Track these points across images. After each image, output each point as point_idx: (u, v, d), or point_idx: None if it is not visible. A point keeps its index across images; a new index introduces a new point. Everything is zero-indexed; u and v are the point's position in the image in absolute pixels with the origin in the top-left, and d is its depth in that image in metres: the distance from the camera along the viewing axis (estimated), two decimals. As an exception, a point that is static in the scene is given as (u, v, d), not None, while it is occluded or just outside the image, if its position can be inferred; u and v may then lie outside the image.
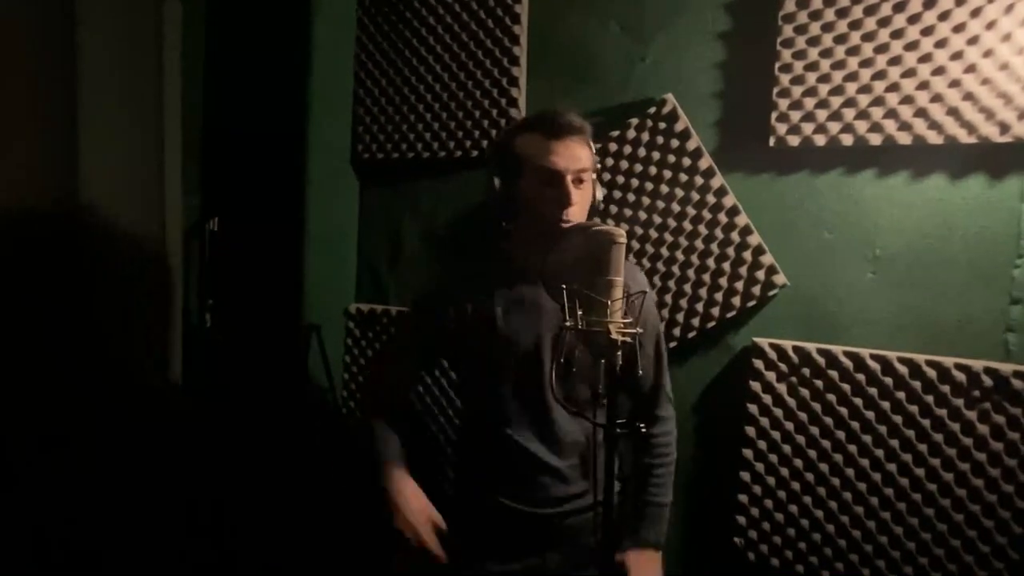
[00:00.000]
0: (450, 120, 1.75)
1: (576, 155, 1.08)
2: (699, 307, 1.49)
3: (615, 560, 0.95)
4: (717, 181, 1.46)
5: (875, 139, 1.32)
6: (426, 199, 1.83)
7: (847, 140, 1.34)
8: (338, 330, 1.93)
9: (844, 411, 1.37)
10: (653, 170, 1.52)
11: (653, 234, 1.52)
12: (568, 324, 0.89)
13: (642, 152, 1.53)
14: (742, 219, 1.44)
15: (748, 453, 1.45)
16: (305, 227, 1.85)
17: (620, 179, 1.55)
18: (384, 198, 1.91)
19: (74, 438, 1.55)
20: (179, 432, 1.78)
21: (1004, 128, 1.23)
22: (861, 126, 1.33)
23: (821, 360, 1.38)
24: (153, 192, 1.72)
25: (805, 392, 1.40)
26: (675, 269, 1.50)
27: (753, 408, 1.44)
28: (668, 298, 1.51)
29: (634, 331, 0.88)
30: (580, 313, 0.90)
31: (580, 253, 0.94)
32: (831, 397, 1.37)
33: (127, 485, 1.65)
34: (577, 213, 1.09)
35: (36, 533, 1.47)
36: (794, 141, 1.38)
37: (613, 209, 1.56)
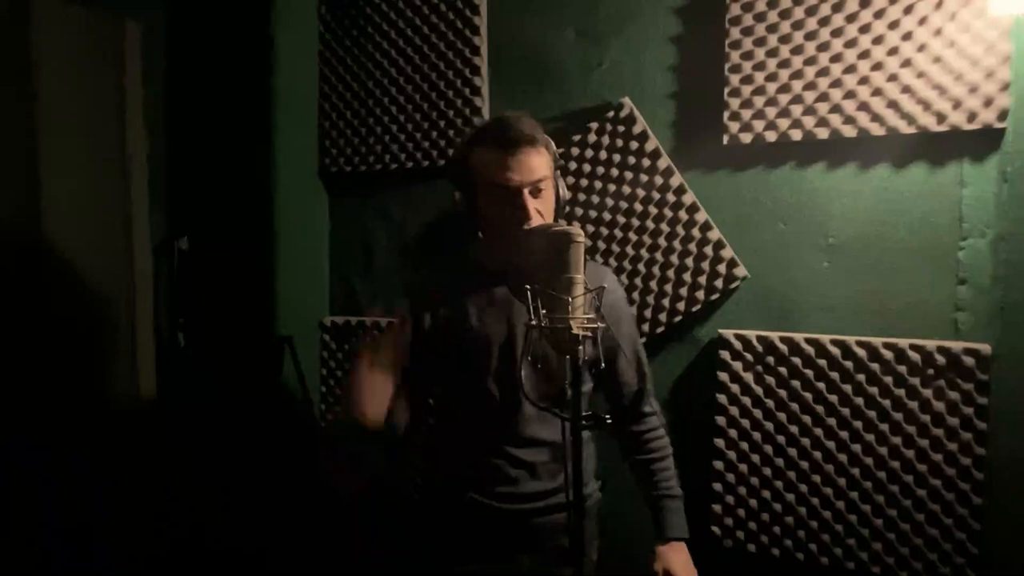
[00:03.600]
0: (416, 131, 1.78)
1: (531, 166, 1.07)
2: (665, 303, 1.53)
3: (585, 559, 0.96)
4: (676, 180, 1.51)
5: (822, 133, 1.38)
6: (395, 209, 1.85)
7: (796, 135, 1.40)
8: (313, 343, 1.93)
9: (809, 396, 1.41)
10: (614, 172, 1.56)
11: (618, 234, 1.56)
12: (533, 322, 0.91)
13: (603, 155, 1.57)
14: (701, 215, 1.49)
15: (720, 442, 1.49)
16: (275, 241, 1.85)
17: (584, 182, 1.59)
18: (354, 210, 1.92)
19: (44, 462, 1.52)
20: (153, 452, 1.76)
21: (941, 118, 1.29)
22: (808, 121, 1.39)
23: (784, 348, 1.42)
24: (117, 212, 1.71)
25: (771, 379, 1.44)
26: (640, 267, 1.54)
27: (722, 398, 1.48)
28: (636, 295, 1.55)
29: (595, 326, 0.91)
30: (544, 312, 0.92)
31: (542, 254, 0.97)
32: (796, 383, 1.42)
33: (102, 507, 1.62)
34: (538, 223, 1.11)
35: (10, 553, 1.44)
36: (747, 138, 1.43)
37: (578, 211, 1.60)
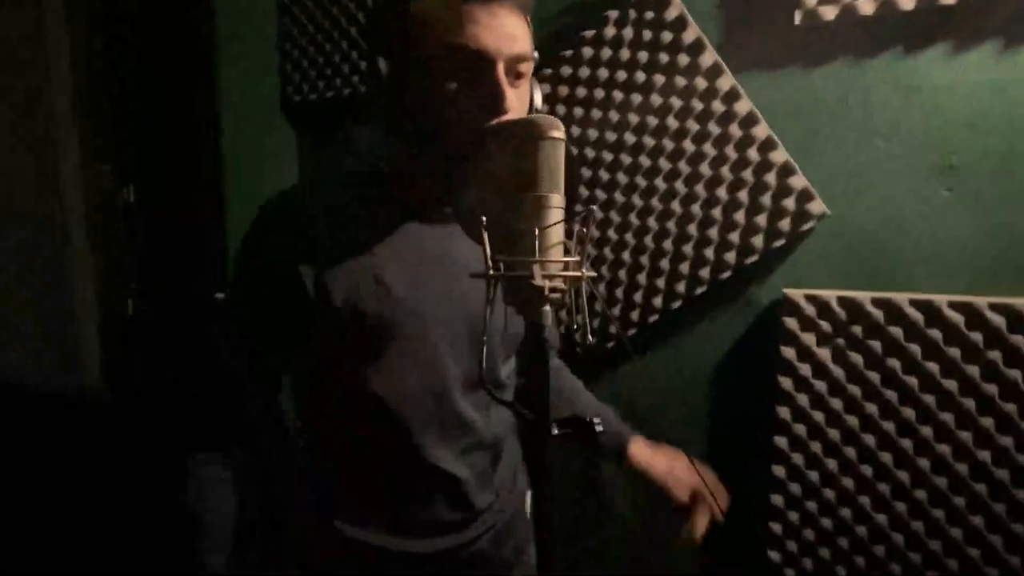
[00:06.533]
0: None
1: (511, 31, 0.69)
2: (709, 253, 1.13)
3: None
4: (726, 82, 1.09)
5: (948, -4, 0.93)
6: (367, 142, 1.50)
7: (907, 2, 0.95)
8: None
9: (913, 381, 1.00)
10: (641, 76, 1.15)
11: (645, 161, 1.17)
12: (492, 272, 0.56)
13: (625, 54, 1.16)
14: (762, 130, 1.07)
15: (782, 441, 1.10)
16: (233, 186, 1.55)
17: (599, 92, 1.19)
18: (326, 146, 1.59)
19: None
20: (96, 432, 1.53)
21: None
22: (927, -20, 0.94)
23: (878, 313, 1.02)
24: (44, 163, 1.44)
25: (857, 358, 1.04)
26: (675, 205, 1.15)
27: (786, 382, 1.09)
28: (668, 244, 1.16)
29: (576, 274, 0.55)
30: (499, 256, 0.57)
31: (501, 165, 0.61)
32: (894, 363, 1.01)
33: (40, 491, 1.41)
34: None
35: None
36: (829, 13, 1.00)
37: (591, 134, 1.21)
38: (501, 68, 0.69)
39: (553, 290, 0.53)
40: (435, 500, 0.82)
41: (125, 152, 1.57)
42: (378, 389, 0.79)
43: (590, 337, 0.57)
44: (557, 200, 0.57)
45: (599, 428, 0.58)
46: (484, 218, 0.58)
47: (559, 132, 0.58)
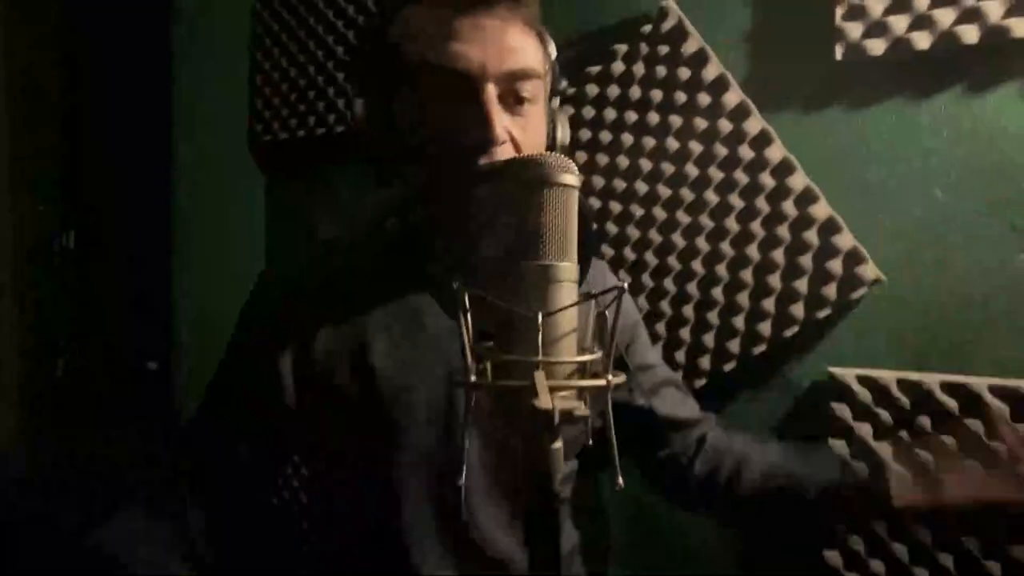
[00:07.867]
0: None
1: (504, 43, 0.55)
2: (738, 322, 0.95)
3: None
4: (755, 125, 0.94)
5: (1021, 28, 0.79)
6: (344, 188, 1.34)
7: (969, 35, 0.81)
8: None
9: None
10: (654, 118, 1.00)
11: (659, 214, 1.00)
12: (472, 379, 0.38)
13: (636, 92, 1.02)
14: (799, 180, 0.92)
15: (834, 558, 0.89)
16: (190, 237, 1.37)
17: (605, 136, 1.04)
18: (301, 193, 1.42)
19: None
20: (13, 519, 1.28)
21: None
22: (993, 9, 0.80)
23: (951, 402, 0.83)
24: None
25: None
26: (696, 265, 0.98)
27: (838, 483, 0.89)
28: (688, 310, 0.98)
29: (600, 382, 0.37)
30: (489, 347, 0.40)
31: (491, 220, 0.44)
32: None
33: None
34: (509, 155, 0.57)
35: None
36: (877, 47, 0.86)
37: (597, 182, 1.05)
38: (490, 89, 0.54)
39: (566, 414, 0.34)
40: None
41: (66, 191, 1.39)
42: (369, 493, 0.65)
43: (620, 480, 0.37)
44: (569, 271, 0.40)
45: None
46: (465, 293, 0.40)
47: (572, 177, 0.40)
